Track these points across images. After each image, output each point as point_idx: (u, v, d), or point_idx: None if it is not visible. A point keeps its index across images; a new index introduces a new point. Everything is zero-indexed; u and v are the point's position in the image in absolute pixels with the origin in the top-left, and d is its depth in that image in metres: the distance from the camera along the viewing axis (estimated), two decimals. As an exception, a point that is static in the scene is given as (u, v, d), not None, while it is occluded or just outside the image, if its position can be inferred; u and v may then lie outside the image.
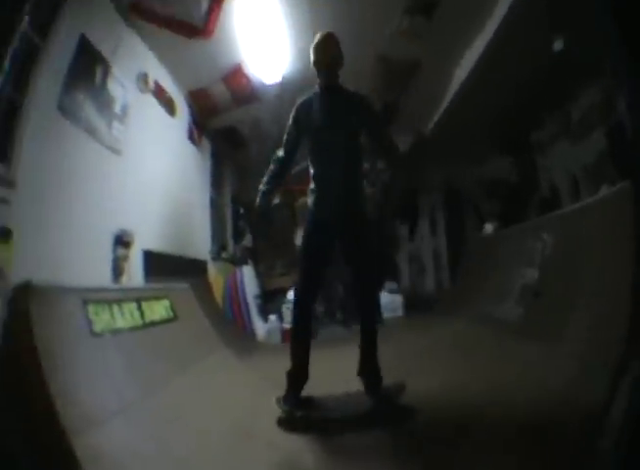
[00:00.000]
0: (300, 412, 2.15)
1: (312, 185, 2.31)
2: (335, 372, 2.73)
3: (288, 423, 2.10)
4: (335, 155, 2.23)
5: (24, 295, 1.77)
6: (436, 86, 4.97)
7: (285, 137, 2.34)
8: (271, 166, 2.35)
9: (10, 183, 2.00)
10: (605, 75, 3.56)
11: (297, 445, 1.94)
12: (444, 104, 5.16)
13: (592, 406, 1.48)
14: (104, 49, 2.79)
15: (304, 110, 2.28)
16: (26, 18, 1.24)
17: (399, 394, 2.15)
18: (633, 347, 1.57)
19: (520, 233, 3.79)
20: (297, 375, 2.22)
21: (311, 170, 2.32)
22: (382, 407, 2.10)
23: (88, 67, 2.66)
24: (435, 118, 5.53)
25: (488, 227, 5.03)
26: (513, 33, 3.62)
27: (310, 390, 2.26)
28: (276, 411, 2.17)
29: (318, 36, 2.27)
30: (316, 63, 2.25)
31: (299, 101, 2.32)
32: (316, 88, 2.32)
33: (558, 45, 3.64)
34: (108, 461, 1.66)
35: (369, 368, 2.24)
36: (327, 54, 2.24)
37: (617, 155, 3.60)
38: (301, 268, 2.33)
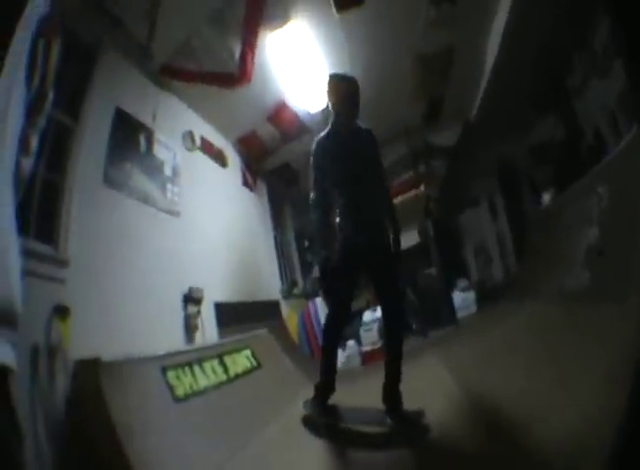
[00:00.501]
0: (325, 418, 2.34)
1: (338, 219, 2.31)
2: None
3: (311, 425, 2.34)
4: (354, 188, 2.26)
5: (94, 370, 1.78)
6: (473, 69, 4.83)
7: (313, 180, 2.31)
8: (314, 216, 2.30)
9: (61, 262, 2.06)
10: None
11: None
12: (483, 84, 4.98)
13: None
14: (142, 116, 2.91)
15: (321, 149, 2.29)
16: (50, 95, 1.25)
17: (419, 418, 2.17)
18: None
19: (575, 194, 3.58)
20: (325, 387, 2.37)
21: (337, 207, 2.31)
22: (402, 428, 2.15)
23: (130, 136, 2.79)
24: (478, 103, 5.34)
25: (546, 197, 4.72)
26: None
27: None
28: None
29: (334, 80, 2.33)
30: (335, 109, 2.30)
31: (316, 141, 2.32)
32: (330, 126, 2.34)
33: None
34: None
35: (391, 394, 2.27)
36: (347, 106, 2.29)
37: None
38: (330, 298, 2.58)
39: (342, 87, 2.30)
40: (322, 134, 2.32)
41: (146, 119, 2.94)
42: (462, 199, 6.82)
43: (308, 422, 2.36)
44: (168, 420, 2.01)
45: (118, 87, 2.70)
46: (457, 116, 5.67)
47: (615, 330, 1.95)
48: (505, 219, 6.60)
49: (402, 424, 2.16)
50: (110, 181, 2.47)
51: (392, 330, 2.31)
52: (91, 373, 1.77)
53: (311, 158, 2.30)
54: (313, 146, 2.30)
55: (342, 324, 2.43)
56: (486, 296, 5.42)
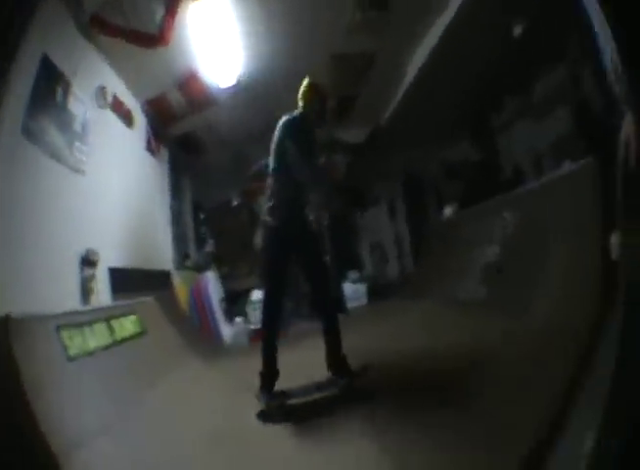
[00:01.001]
0: (276, 403, 2.45)
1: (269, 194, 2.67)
2: (304, 364, 2.96)
3: (266, 415, 2.39)
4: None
5: (4, 328, 1.81)
6: (392, 76, 5.12)
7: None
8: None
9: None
10: (567, 56, 3.53)
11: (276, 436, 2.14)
12: (401, 93, 5.30)
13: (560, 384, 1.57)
14: (64, 67, 2.78)
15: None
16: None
17: (365, 374, 2.49)
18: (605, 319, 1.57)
19: (480, 213, 3.94)
20: (269, 374, 2.52)
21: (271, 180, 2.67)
22: (348, 391, 2.43)
23: (49, 87, 2.65)
24: (392, 108, 5.65)
25: (448, 210, 5.17)
26: (469, 20, 3.73)
27: (283, 383, 2.55)
28: (250, 410, 2.43)
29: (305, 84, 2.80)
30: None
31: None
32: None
33: (517, 30, 3.72)
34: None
35: (335, 360, 2.56)
36: (319, 104, 2.80)
37: (582, 131, 3.56)
38: (265, 274, 2.81)
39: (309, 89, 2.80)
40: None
41: (67, 71, 2.80)
42: (362, 196, 7.17)
43: (262, 415, 2.40)
44: (64, 379, 2.08)
45: (50, 35, 2.55)
46: (369, 117, 5.96)
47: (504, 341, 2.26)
48: (404, 223, 7.09)
49: (349, 388, 2.46)
50: (27, 133, 2.35)
51: (323, 303, 2.68)
52: (2, 331, 1.79)
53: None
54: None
55: (279, 304, 2.69)
56: (378, 291, 5.80)
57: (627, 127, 0.85)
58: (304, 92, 2.80)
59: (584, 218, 2.17)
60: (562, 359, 1.75)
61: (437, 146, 6.13)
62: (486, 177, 5.24)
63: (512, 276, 2.86)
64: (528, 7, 3.40)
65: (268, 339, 2.58)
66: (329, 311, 2.66)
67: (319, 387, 2.57)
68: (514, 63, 3.99)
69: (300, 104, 2.80)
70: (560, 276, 2.34)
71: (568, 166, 2.90)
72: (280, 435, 2.17)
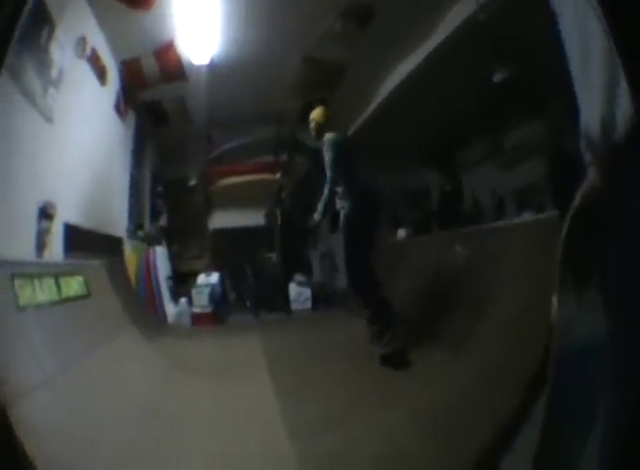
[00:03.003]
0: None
1: None
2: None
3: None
4: None
5: None
6: (363, 91, 5.11)
7: None
8: None
9: None
10: (547, 110, 3.51)
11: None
12: (369, 111, 5.25)
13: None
14: (54, 9, 2.66)
15: None
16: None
17: None
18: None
19: (433, 241, 4.06)
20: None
21: None
22: None
23: (37, 26, 2.53)
24: (359, 122, 5.47)
25: (401, 232, 5.13)
26: (450, 58, 3.78)
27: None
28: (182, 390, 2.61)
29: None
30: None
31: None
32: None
33: (498, 77, 3.67)
34: (37, 431, 1.74)
35: None
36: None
37: (552, 186, 3.47)
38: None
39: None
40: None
41: (55, 13, 2.67)
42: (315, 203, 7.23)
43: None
44: (11, 328, 2.02)
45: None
46: (334, 126, 5.54)
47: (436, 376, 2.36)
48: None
49: None
50: (10, 70, 2.22)
51: None
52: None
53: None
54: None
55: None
56: (324, 298, 5.60)
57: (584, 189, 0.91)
58: None
59: (538, 271, 2.14)
60: (488, 406, 1.84)
61: (399, 170, 5.79)
62: (445, 209, 5.15)
63: (453, 309, 2.89)
64: (514, 57, 3.46)
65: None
66: None
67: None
68: (491, 107, 4.00)
69: None
70: (502, 320, 2.36)
71: (528, 216, 3.02)
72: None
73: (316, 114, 4.17)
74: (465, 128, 4.67)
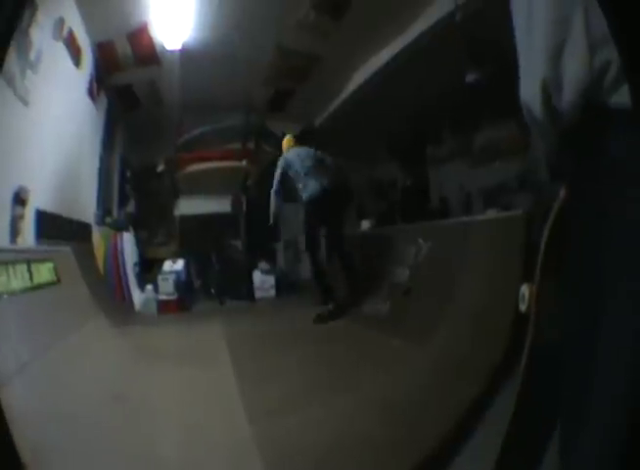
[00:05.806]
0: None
1: None
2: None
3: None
4: None
5: None
6: (334, 84, 5.21)
7: None
8: None
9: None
10: (519, 112, 3.65)
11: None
12: (339, 102, 5.38)
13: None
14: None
15: None
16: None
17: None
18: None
19: (395, 234, 3.96)
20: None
21: None
22: None
23: (19, 7, 2.47)
24: (328, 112, 5.69)
25: (365, 224, 5.21)
26: (424, 54, 3.82)
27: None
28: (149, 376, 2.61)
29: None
30: None
31: None
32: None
33: (470, 77, 3.73)
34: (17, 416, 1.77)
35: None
36: None
37: (522, 185, 3.67)
38: None
39: None
40: None
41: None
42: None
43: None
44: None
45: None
46: (303, 115, 5.93)
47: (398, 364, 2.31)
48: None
49: None
50: None
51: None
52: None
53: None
54: None
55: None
56: (287, 286, 5.84)
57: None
58: None
59: (501, 265, 2.20)
60: (448, 395, 1.82)
61: (367, 160, 6.14)
62: (411, 202, 5.46)
63: (417, 302, 2.92)
64: (487, 59, 3.52)
65: None
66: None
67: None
68: (463, 105, 4.15)
69: None
70: (465, 313, 2.38)
71: (493, 213, 3.09)
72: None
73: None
74: (436, 124, 4.83)
